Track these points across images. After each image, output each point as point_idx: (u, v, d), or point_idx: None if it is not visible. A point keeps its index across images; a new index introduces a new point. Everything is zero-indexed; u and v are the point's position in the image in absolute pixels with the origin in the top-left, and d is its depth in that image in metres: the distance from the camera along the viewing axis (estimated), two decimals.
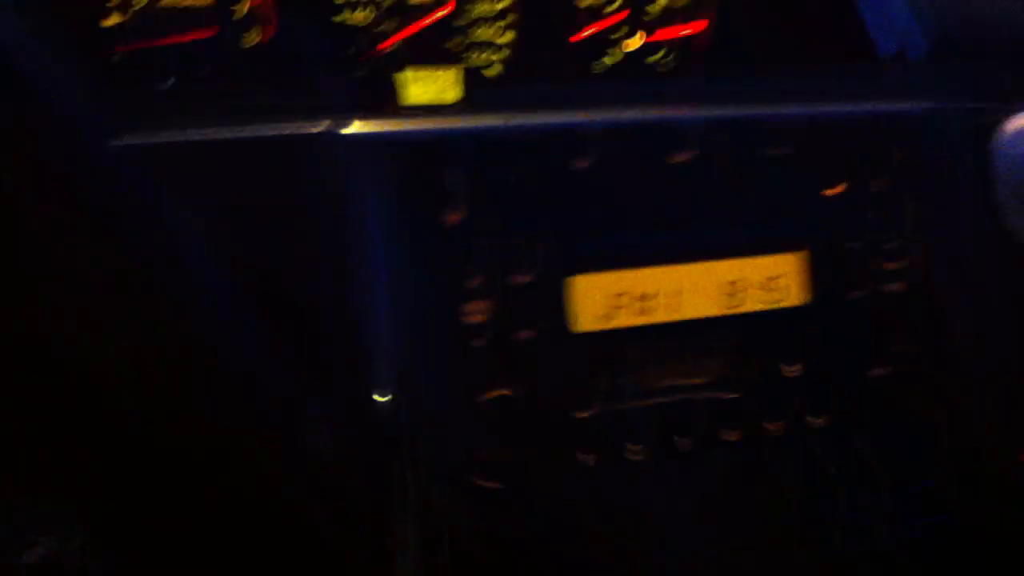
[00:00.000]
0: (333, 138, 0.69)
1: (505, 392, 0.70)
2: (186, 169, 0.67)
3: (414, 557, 0.70)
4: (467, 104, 1.05)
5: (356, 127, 0.69)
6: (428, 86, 1.05)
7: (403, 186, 0.69)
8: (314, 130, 0.69)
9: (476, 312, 0.69)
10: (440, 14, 1.04)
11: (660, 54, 1.12)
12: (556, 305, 0.72)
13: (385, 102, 1.02)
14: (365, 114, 0.73)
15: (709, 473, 0.78)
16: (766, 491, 0.80)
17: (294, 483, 0.63)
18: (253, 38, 0.99)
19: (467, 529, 0.71)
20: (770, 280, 0.78)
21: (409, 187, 0.69)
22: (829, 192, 0.81)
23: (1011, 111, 0.90)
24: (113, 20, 0.95)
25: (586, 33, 1.10)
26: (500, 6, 1.07)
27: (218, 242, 0.64)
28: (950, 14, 1.02)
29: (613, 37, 1.11)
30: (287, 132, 0.69)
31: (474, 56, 1.07)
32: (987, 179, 0.88)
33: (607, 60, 1.11)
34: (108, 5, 0.94)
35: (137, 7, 0.95)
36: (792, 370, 0.80)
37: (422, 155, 0.70)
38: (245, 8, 0.99)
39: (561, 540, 0.73)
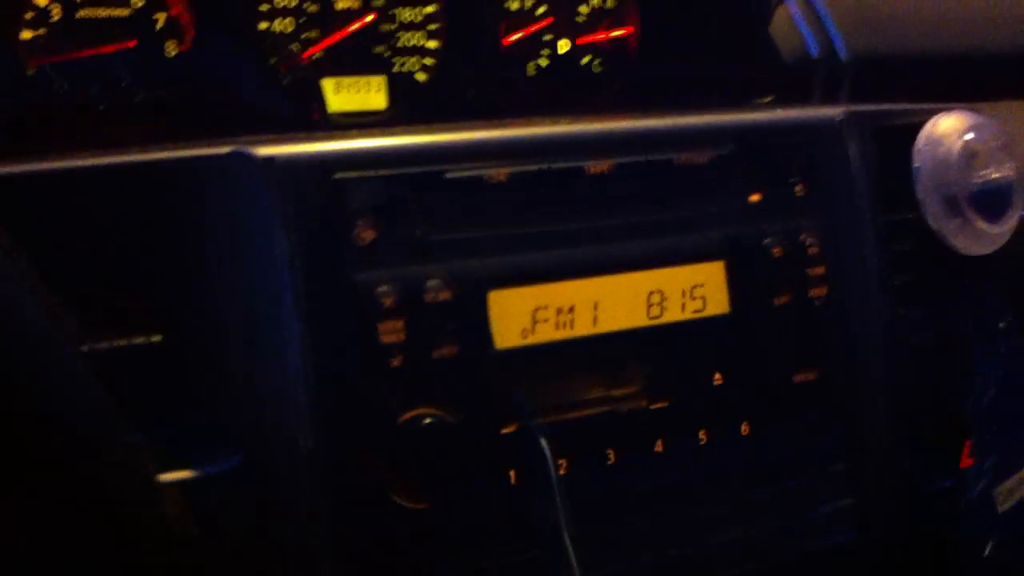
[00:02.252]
0: (239, 160, 0.67)
1: (426, 411, 0.70)
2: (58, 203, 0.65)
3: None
4: (394, 111, 1.05)
5: (262, 148, 0.68)
6: (353, 95, 1.05)
7: (312, 205, 0.68)
8: (216, 152, 0.68)
9: (392, 332, 0.68)
10: (365, 21, 1.04)
11: (588, 57, 1.13)
12: (475, 321, 0.72)
13: (309, 112, 1.02)
14: (275, 134, 0.72)
15: (637, 484, 0.78)
16: (696, 501, 0.80)
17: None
18: (172, 50, 0.98)
19: (387, 549, 0.70)
20: (691, 290, 0.78)
21: (319, 206, 0.68)
22: (748, 199, 0.81)
23: (930, 112, 0.91)
24: (29, 33, 0.93)
25: (515, 37, 1.10)
26: (427, 11, 1.06)
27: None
28: (868, 23, 1.03)
29: (543, 40, 1.11)
30: (183, 155, 0.68)
31: (401, 63, 1.06)
32: (909, 180, 0.89)
33: (537, 64, 1.11)
34: (25, 18, 0.92)
35: (55, 19, 0.94)
36: (717, 378, 0.80)
37: (333, 173, 0.69)
38: (163, 18, 0.98)
39: (485, 559, 0.73)
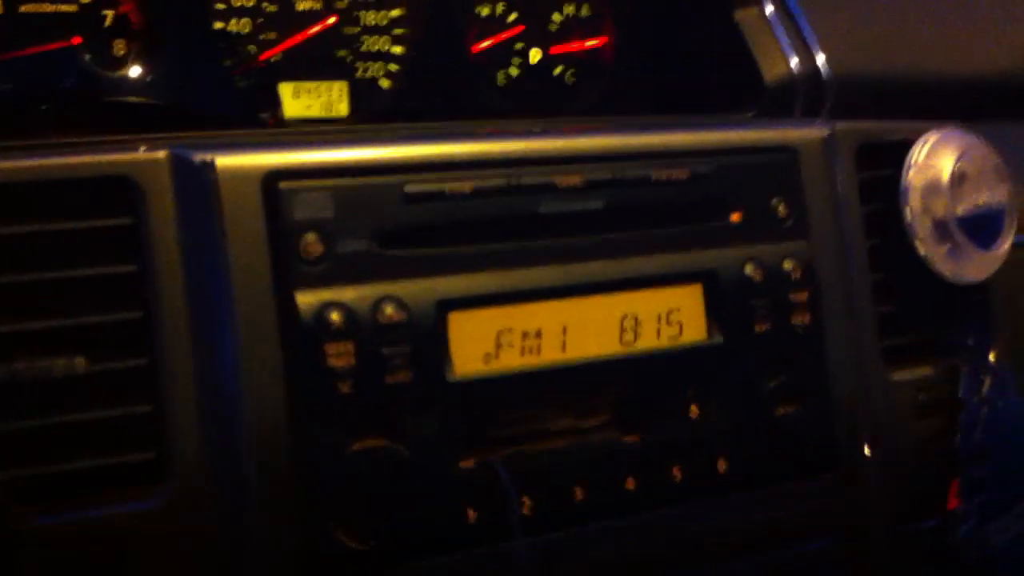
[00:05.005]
0: (176, 164, 0.62)
1: (377, 442, 0.64)
2: None
3: None
4: (356, 120, 0.99)
5: (202, 153, 0.62)
6: (314, 100, 0.99)
7: (255, 215, 0.62)
8: (152, 157, 0.62)
9: (341, 355, 0.63)
10: (327, 23, 0.98)
11: (561, 68, 1.08)
12: (433, 345, 0.66)
13: (265, 118, 0.96)
14: (219, 132, 0.66)
15: (607, 524, 0.73)
16: (671, 544, 0.75)
17: None
18: (120, 48, 0.92)
19: None
20: (666, 314, 0.73)
21: (263, 217, 0.62)
22: (728, 219, 0.76)
23: (919, 131, 0.86)
24: None
25: (484, 45, 1.05)
26: (392, 15, 1.01)
27: None
28: (852, 42, 0.99)
29: (514, 48, 1.06)
30: (114, 160, 0.62)
31: (364, 68, 1.01)
32: (895, 203, 0.85)
33: (507, 72, 1.06)
34: None
35: None
36: (693, 411, 0.74)
37: (278, 183, 0.63)
38: (112, 15, 0.92)
39: None
